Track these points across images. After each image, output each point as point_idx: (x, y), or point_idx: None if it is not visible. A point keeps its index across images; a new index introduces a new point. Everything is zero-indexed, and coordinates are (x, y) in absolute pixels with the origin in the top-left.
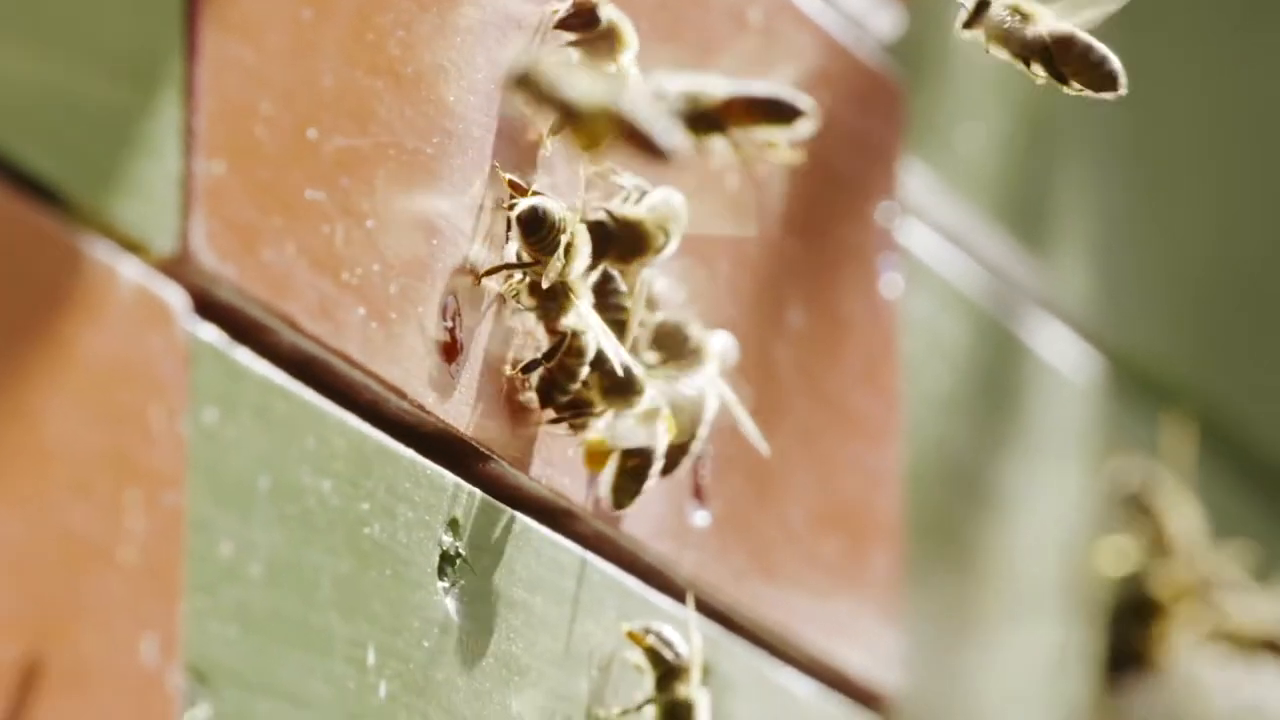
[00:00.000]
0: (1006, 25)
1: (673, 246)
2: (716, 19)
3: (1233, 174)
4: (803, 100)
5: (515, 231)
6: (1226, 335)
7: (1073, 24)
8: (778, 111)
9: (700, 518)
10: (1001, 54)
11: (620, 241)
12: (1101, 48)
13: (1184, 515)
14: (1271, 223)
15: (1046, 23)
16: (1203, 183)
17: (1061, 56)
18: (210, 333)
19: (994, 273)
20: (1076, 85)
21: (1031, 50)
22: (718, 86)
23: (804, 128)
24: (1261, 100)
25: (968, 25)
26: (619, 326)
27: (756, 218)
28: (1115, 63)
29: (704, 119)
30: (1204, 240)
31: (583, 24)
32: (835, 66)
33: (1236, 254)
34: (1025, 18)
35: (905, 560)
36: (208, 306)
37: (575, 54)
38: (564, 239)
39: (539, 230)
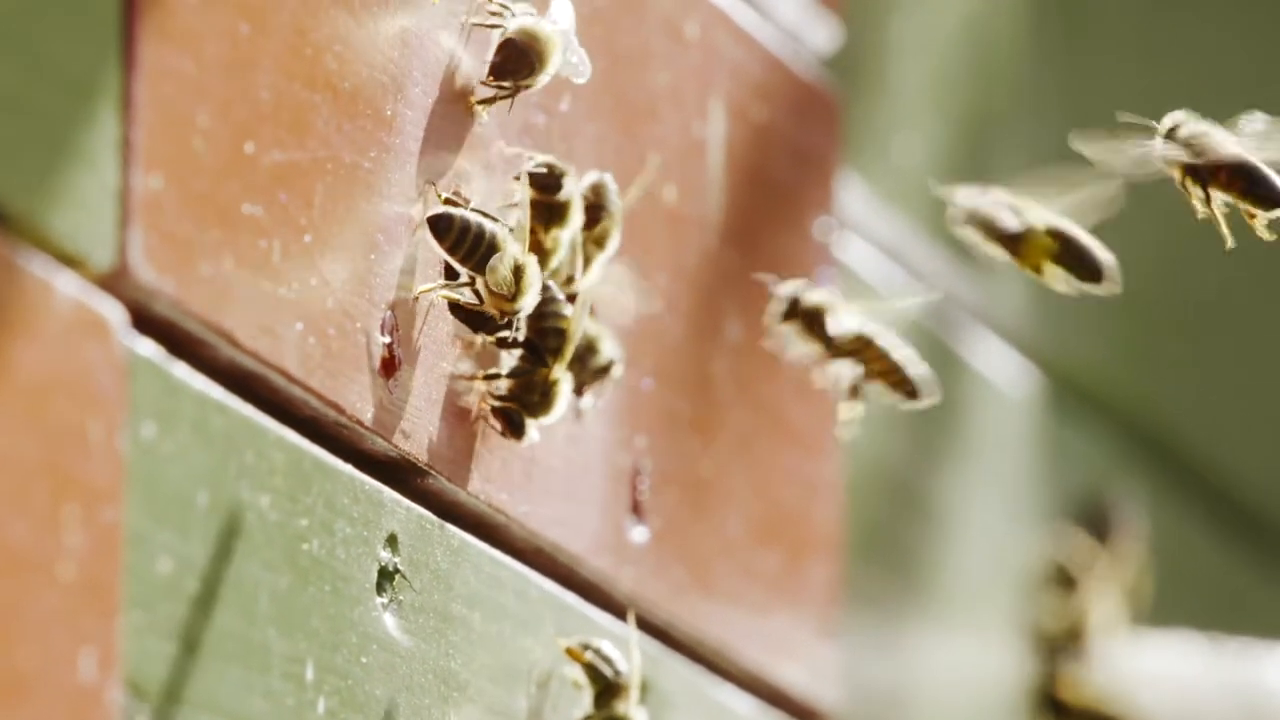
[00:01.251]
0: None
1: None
2: (651, 31)
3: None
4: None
5: (432, 240)
6: (1164, 348)
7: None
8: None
9: (638, 533)
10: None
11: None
12: (1095, 247)
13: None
14: (1212, 235)
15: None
16: (1141, 193)
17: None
18: (148, 347)
19: (930, 286)
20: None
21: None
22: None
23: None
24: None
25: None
26: (557, 335)
27: (694, 231)
28: (1106, 259)
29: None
30: (1142, 253)
31: (545, 187)
32: (772, 80)
33: (1174, 267)
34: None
35: (844, 573)
36: (145, 321)
37: None
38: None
39: (450, 235)
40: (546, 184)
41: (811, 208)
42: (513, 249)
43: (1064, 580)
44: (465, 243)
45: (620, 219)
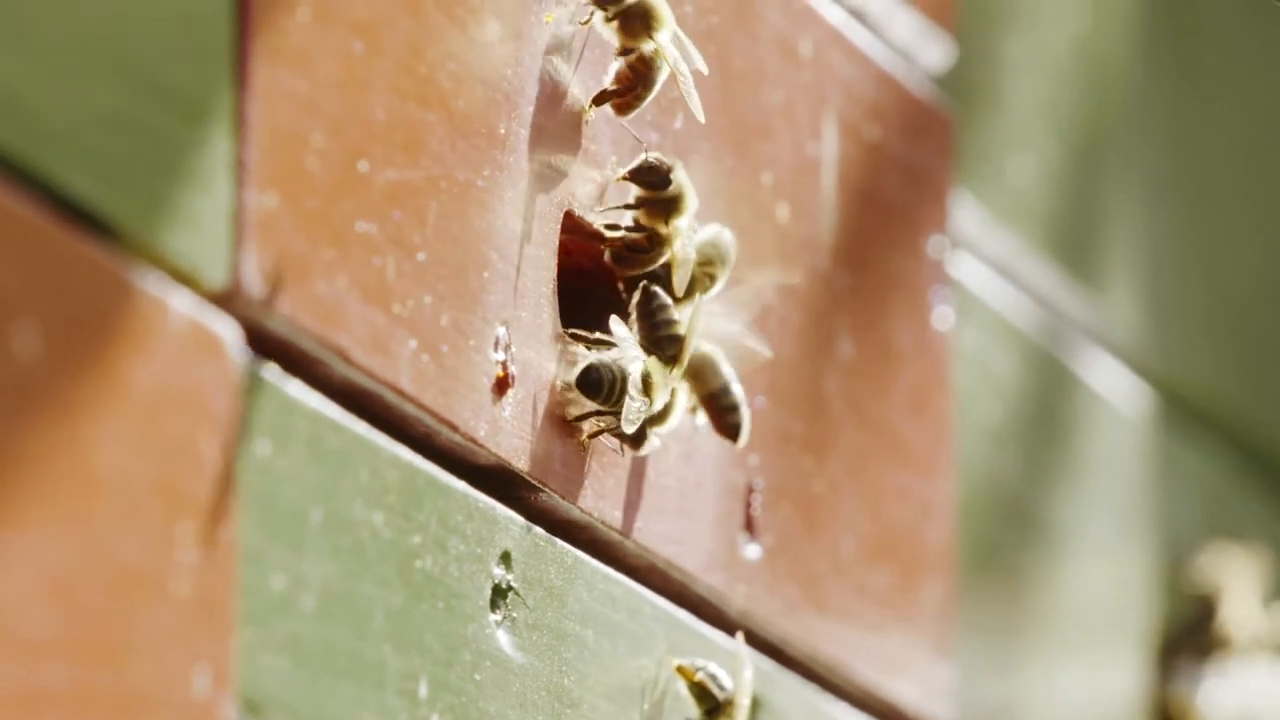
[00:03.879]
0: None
1: (719, 287)
2: (766, 50)
3: (1279, 202)
4: None
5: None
6: (1277, 365)
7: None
8: None
9: (751, 550)
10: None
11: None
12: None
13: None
14: None
15: None
16: (1250, 212)
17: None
18: (262, 365)
19: (1044, 305)
20: None
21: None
22: None
23: None
24: None
25: None
26: (672, 342)
27: (807, 250)
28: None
29: None
30: (1252, 270)
31: (654, 184)
32: (885, 98)
33: None
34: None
35: (956, 592)
36: (260, 339)
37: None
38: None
39: (600, 392)
40: (655, 180)
41: (924, 226)
42: (653, 389)
43: (1195, 601)
44: (615, 393)
45: (729, 268)
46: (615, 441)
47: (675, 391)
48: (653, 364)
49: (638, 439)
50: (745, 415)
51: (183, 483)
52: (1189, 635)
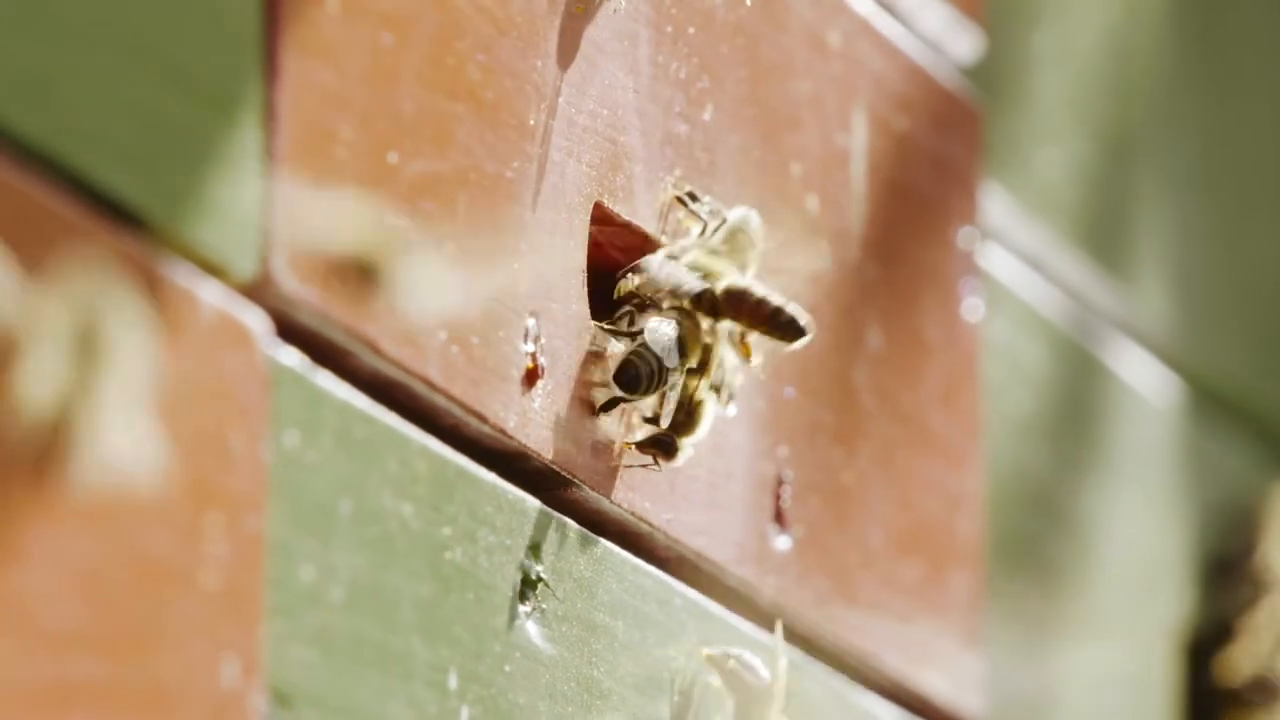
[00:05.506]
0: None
1: (751, 274)
2: (795, 42)
3: None
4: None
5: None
6: None
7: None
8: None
9: (781, 542)
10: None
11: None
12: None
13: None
14: None
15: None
16: (1278, 203)
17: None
18: (291, 356)
19: (1074, 296)
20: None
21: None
22: None
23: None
24: None
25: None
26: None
27: (836, 241)
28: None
29: None
30: None
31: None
32: (914, 90)
33: None
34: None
35: (985, 583)
36: (289, 330)
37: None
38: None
39: (639, 386)
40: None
41: (953, 218)
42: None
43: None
44: (654, 385)
45: (759, 254)
46: (648, 458)
47: (703, 401)
48: (685, 326)
49: (670, 451)
50: (795, 308)
51: (211, 474)
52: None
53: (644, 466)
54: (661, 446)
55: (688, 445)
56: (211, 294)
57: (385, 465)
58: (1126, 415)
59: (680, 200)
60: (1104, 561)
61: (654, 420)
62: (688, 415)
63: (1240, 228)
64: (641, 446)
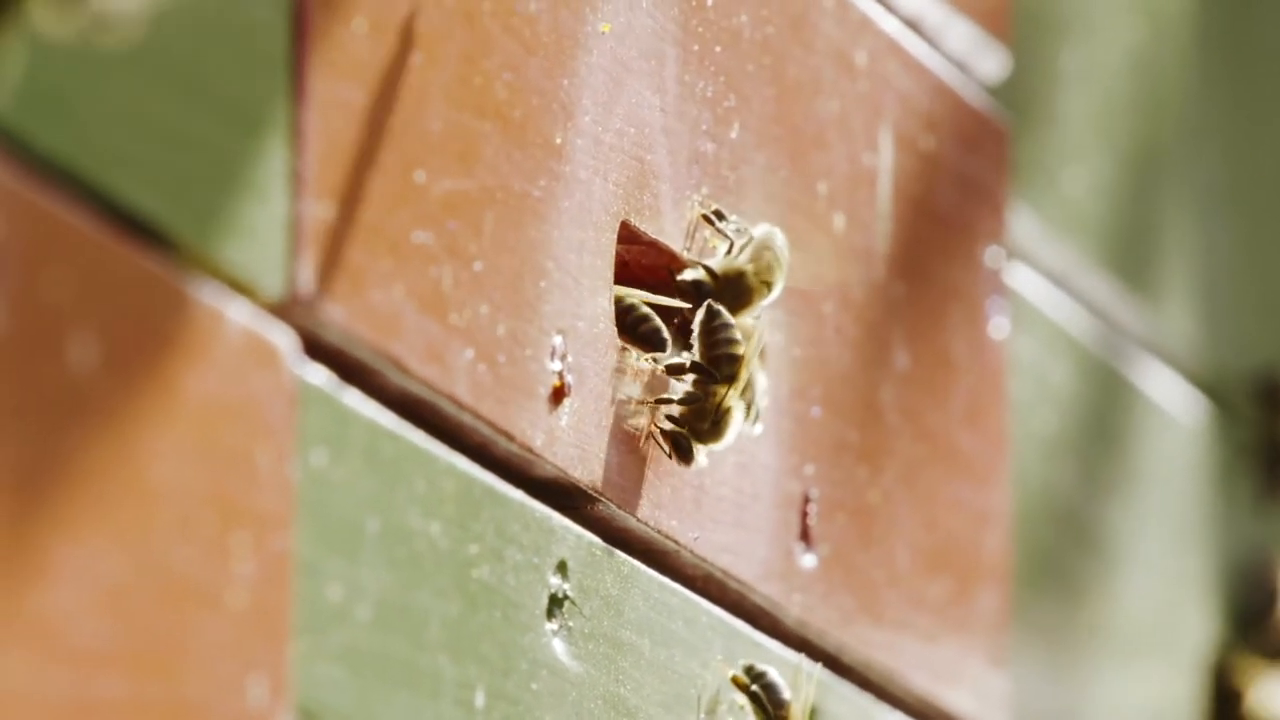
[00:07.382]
0: None
1: (776, 293)
2: (822, 61)
3: None
4: None
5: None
6: None
7: None
8: None
9: (807, 560)
10: None
11: (723, 296)
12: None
13: None
14: None
15: None
16: None
17: None
18: (318, 375)
19: (1100, 315)
20: None
21: None
22: None
23: None
24: None
25: None
26: (730, 362)
27: (862, 260)
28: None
29: None
30: None
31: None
32: (941, 109)
33: None
34: None
35: (1012, 602)
36: (316, 348)
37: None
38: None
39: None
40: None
41: (980, 237)
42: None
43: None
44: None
45: (785, 269)
46: (666, 447)
47: (731, 409)
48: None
49: (686, 454)
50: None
51: (239, 493)
52: (1251, 628)
53: (665, 453)
54: (678, 446)
55: (703, 452)
56: (239, 313)
57: (413, 483)
58: (1153, 433)
59: (707, 219)
60: (1130, 580)
61: (679, 422)
62: (714, 424)
63: (1266, 246)
64: (664, 434)
